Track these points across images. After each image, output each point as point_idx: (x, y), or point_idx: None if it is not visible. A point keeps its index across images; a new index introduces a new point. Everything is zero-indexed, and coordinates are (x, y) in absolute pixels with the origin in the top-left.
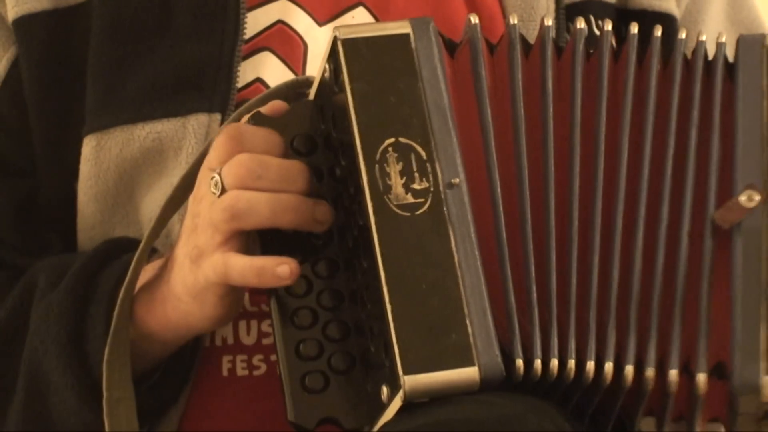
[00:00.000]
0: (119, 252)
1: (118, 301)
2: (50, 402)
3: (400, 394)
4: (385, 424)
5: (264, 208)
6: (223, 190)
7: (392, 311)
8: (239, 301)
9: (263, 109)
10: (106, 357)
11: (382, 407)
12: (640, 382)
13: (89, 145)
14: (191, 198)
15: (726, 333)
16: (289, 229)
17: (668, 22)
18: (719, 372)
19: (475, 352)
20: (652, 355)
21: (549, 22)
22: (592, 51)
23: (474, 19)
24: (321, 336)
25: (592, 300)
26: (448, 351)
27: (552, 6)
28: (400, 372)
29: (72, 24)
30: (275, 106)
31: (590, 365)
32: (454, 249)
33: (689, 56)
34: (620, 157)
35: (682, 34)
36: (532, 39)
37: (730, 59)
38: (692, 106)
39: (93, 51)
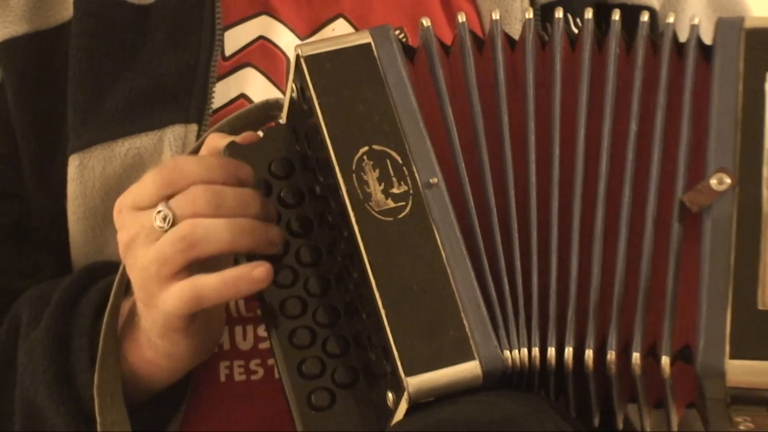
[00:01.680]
0: (94, 279)
1: (103, 326)
2: None
3: (405, 396)
4: (390, 427)
5: (223, 233)
6: (173, 224)
7: (387, 315)
8: (213, 324)
9: (238, 139)
10: (96, 382)
11: (390, 413)
12: (604, 367)
13: (73, 165)
14: (119, 245)
15: (694, 316)
16: (246, 253)
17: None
18: (685, 356)
19: (474, 346)
20: (613, 339)
21: (496, 16)
22: (546, 41)
23: (426, 22)
24: (321, 353)
25: (552, 287)
26: (447, 347)
27: (527, 7)
28: (402, 374)
29: (52, 46)
30: (248, 137)
31: (551, 352)
32: (440, 246)
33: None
34: (577, 143)
35: (644, 17)
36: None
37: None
38: (659, 88)
39: (72, 70)
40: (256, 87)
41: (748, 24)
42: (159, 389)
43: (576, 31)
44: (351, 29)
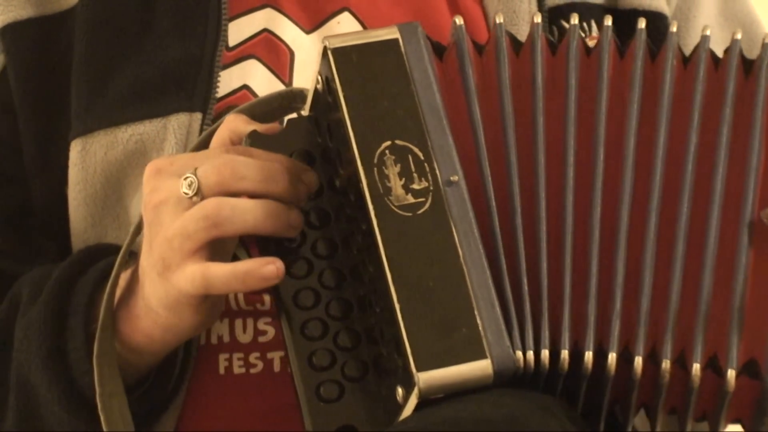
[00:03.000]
0: (94, 259)
1: (104, 298)
2: (41, 414)
3: (415, 391)
4: (394, 424)
5: (248, 215)
6: (198, 191)
7: (401, 310)
8: (220, 303)
9: (260, 129)
10: (95, 352)
11: (399, 408)
12: (657, 376)
13: (75, 150)
14: (142, 207)
15: (763, 331)
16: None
17: (659, 20)
18: (751, 370)
19: (487, 345)
20: (668, 347)
21: (538, 19)
22: (592, 47)
23: (459, 20)
24: (332, 345)
25: (591, 292)
26: (460, 345)
27: (535, 9)
28: (414, 369)
29: (57, 31)
30: (271, 127)
31: (588, 356)
32: (458, 245)
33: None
34: (626, 152)
35: (707, 31)
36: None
37: (719, 55)
38: (724, 103)
39: (76, 56)
40: (260, 79)
41: None
42: (147, 364)
43: (583, 35)
44: (356, 23)
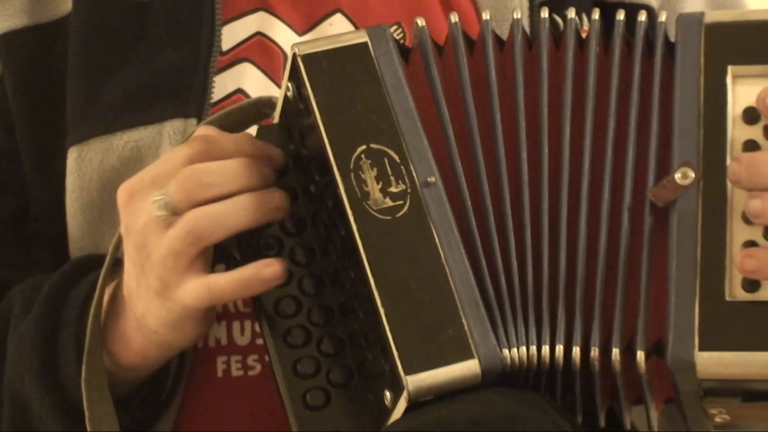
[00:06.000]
0: (84, 271)
1: (89, 321)
2: (35, 427)
3: (404, 395)
4: (387, 426)
5: (227, 217)
6: (172, 211)
7: (386, 314)
8: (214, 310)
9: None
10: (83, 376)
11: (388, 412)
12: (588, 364)
13: (71, 158)
14: (124, 231)
15: (665, 311)
16: (255, 228)
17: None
18: (658, 350)
19: (473, 345)
20: (596, 335)
21: (486, 16)
22: (533, 41)
23: (421, 21)
24: (316, 353)
25: (544, 285)
26: (447, 346)
27: (525, 3)
28: (402, 373)
29: (52, 39)
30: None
31: (545, 350)
32: (438, 245)
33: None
34: (563, 142)
35: (620, 16)
36: (506, 36)
37: None
38: (632, 86)
39: (71, 63)
40: (253, 82)
41: (708, 19)
42: (141, 377)
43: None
44: (349, 24)
